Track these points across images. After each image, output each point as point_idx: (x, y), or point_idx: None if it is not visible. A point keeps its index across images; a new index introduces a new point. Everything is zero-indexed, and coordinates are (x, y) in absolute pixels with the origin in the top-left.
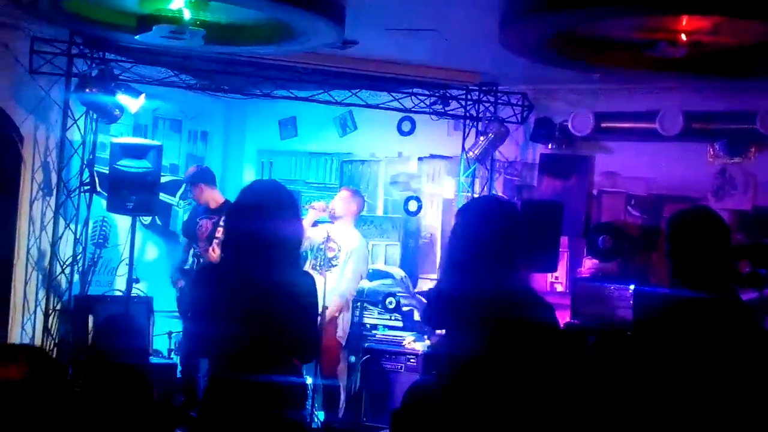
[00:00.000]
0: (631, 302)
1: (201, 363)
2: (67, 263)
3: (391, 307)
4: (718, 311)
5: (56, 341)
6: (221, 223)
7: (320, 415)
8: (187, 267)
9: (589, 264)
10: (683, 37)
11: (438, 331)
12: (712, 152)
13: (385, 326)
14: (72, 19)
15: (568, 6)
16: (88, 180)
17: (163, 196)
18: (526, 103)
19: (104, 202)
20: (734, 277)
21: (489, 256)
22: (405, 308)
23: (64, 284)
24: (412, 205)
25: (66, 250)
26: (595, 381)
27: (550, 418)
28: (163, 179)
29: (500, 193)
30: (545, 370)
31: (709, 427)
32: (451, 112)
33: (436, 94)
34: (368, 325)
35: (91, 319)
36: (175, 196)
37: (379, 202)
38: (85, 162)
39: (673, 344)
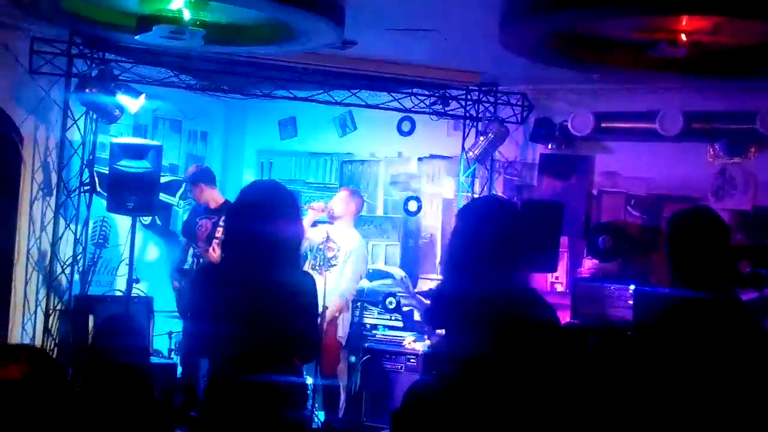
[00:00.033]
0: (631, 302)
1: (201, 363)
2: (67, 263)
3: (391, 307)
4: (719, 311)
5: (56, 341)
6: (221, 223)
7: (320, 415)
8: (186, 267)
9: (589, 264)
10: (683, 37)
11: (438, 331)
12: (712, 152)
13: (385, 326)
14: (72, 20)
15: (568, 6)
16: (88, 180)
17: (163, 196)
18: (525, 103)
19: (104, 203)
20: (734, 277)
21: (489, 257)
22: (405, 308)
23: (64, 284)
24: (412, 205)
25: (66, 250)
26: (595, 381)
27: (550, 419)
28: (163, 179)
29: (500, 193)
30: (545, 371)
31: (710, 428)
32: (450, 113)
33: (436, 94)
34: (368, 325)
35: (91, 319)
36: (175, 196)
37: (379, 202)
38: (85, 162)
39: (673, 344)
